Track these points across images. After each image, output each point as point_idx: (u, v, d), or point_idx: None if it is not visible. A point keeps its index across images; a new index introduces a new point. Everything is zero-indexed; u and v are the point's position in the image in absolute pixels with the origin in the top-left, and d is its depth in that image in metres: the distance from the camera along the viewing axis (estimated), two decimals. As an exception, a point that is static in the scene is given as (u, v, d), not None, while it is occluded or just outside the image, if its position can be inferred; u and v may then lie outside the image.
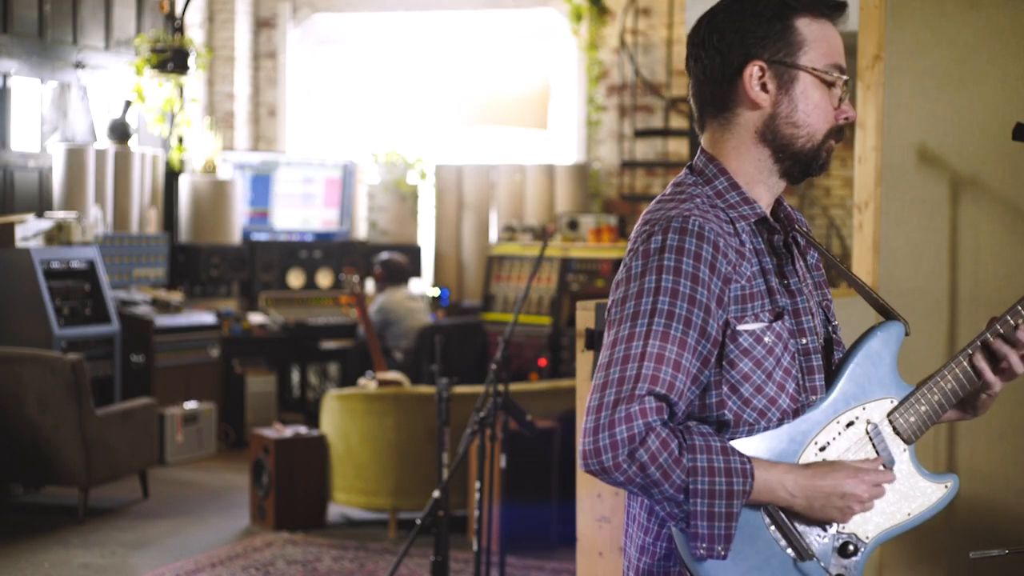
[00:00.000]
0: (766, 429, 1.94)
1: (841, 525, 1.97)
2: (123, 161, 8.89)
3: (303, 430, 6.86)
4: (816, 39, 1.95)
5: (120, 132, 8.96)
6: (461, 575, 5.87)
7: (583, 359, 3.36)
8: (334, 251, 10.06)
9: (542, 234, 9.38)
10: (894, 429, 2.02)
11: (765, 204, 2.01)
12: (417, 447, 6.53)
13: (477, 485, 4.88)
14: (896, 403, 2.03)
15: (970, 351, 2.06)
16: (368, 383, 7.06)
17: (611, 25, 10.01)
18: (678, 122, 9.75)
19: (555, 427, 6.31)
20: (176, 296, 8.92)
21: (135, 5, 9.37)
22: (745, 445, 1.91)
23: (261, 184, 10.01)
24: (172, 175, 9.68)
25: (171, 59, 9.10)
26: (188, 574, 5.89)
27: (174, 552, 6.29)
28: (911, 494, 2.04)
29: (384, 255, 9.11)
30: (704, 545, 1.84)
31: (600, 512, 3.34)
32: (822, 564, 1.94)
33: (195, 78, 9.73)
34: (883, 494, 1.97)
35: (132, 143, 9.08)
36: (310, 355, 9.62)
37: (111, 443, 6.92)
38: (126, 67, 9.17)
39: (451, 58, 10.66)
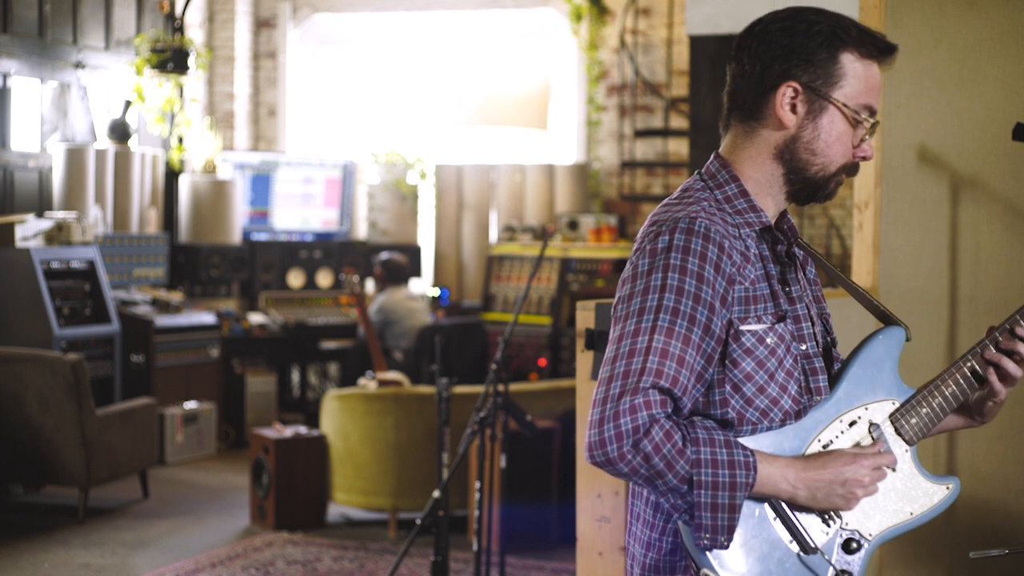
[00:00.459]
0: (769, 429, 1.97)
1: (844, 521, 2.00)
2: (123, 161, 8.89)
3: (303, 430, 6.86)
4: (856, 76, 1.99)
5: (120, 132, 8.96)
6: (461, 575, 5.88)
7: (583, 359, 3.36)
8: (334, 251, 10.06)
9: (542, 234, 9.38)
10: (896, 430, 2.06)
11: (771, 215, 2.05)
12: (417, 447, 6.53)
13: (477, 485, 4.89)
14: (898, 405, 2.06)
15: (971, 356, 2.10)
16: (368, 383, 7.06)
17: (611, 25, 10.01)
18: (678, 122, 9.75)
19: (555, 427, 6.31)
20: (176, 296, 8.92)
21: (135, 5, 9.37)
22: (749, 442, 1.95)
23: (261, 184, 10.01)
24: (172, 175, 9.68)
25: (171, 59, 9.10)
26: (188, 574, 5.89)
27: (174, 552, 6.29)
28: (913, 494, 2.06)
29: (384, 255, 9.11)
30: (707, 536, 1.88)
31: (600, 512, 3.34)
32: (826, 557, 1.97)
33: (195, 78, 9.73)
34: (884, 477, 2.00)
35: (132, 143, 9.08)
36: (310, 355, 9.62)
37: (111, 443, 6.92)
38: (126, 67, 9.17)
39: (451, 58, 10.66)
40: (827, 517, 1.99)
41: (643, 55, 9.96)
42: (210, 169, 9.53)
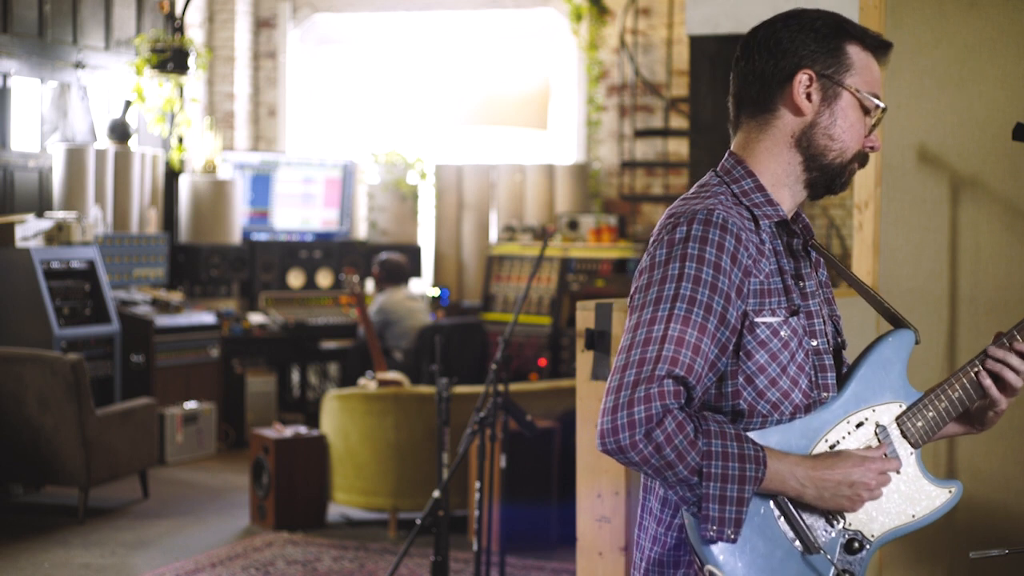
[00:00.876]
0: (779, 422, 1.99)
1: (848, 521, 2.01)
2: (123, 161, 8.89)
3: (303, 430, 6.86)
4: (863, 66, 2.05)
5: (120, 132, 8.96)
6: (461, 575, 5.88)
7: (583, 359, 3.36)
8: (334, 251, 10.06)
9: (542, 234, 9.38)
10: (902, 432, 2.07)
11: (787, 209, 2.08)
12: (417, 447, 6.53)
13: (477, 485, 4.89)
14: (905, 407, 2.08)
15: (977, 362, 2.11)
16: (368, 383, 7.06)
17: (611, 25, 10.01)
18: (678, 122, 9.75)
19: (555, 427, 6.31)
20: (176, 296, 8.92)
21: (135, 5, 9.37)
22: (757, 437, 1.96)
23: (261, 184, 10.01)
24: (172, 175, 9.68)
25: (171, 59, 9.10)
26: (188, 574, 5.89)
27: (174, 552, 6.29)
28: (916, 497, 2.08)
29: (382, 255, 9.11)
30: (715, 528, 1.89)
31: (600, 512, 3.34)
32: (829, 557, 1.98)
33: (195, 78, 9.73)
34: (889, 481, 2.02)
35: (132, 143, 9.08)
36: (310, 355, 9.62)
37: (111, 443, 6.92)
38: (126, 67, 9.17)
39: (451, 58, 10.66)
40: (831, 517, 2.00)
41: (643, 55, 9.96)
42: (210, 169, 9.53)
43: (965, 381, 2.10)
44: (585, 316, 3.33)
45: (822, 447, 2.01)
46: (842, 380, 2.07)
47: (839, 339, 2.15)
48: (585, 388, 3.35)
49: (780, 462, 1.93)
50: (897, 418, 2.07)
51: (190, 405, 8.49)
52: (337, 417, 6.75)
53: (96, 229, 8.40)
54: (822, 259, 2.17)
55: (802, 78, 2.02)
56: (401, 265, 8.91)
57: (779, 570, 1.95)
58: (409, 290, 9.23)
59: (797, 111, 2.03)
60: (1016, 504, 3.93)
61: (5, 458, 6.93)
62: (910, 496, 2.07)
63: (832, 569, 1.98)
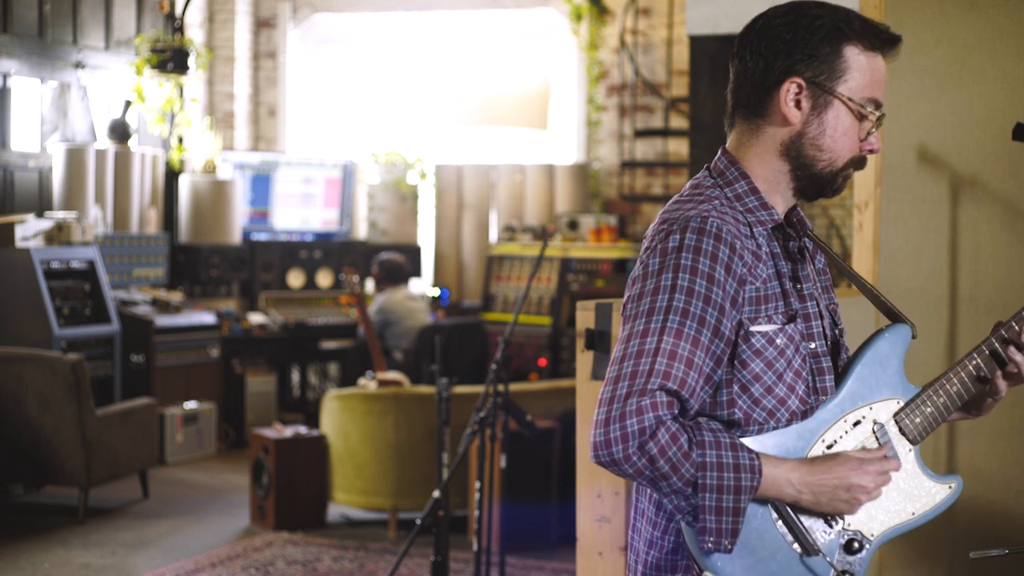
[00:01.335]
0: (775, 429, 1.97)
1: (847, 522, 2.00)
2: (123, 161, 8.89)
3: (303, 430, 6.86)
4: (860, 70, 1.97)
5: (120, 132, 8.96)
6: (461, 575, 5.87)
7: (583, 359, 3.36)
8: (334, 251, 10.06)
9: (542, 234, 9.38)
10: (900, 429, 2.05)
11: (780, 211, 2.04)
12: (417, 447, 6.53)
13: (477, 485, 4.89)
14: (902, 404, 2.06)
15: (976, 355, 2.08)
16: (368, 383, 7.06)
17: (611, 25, 10.01)
18: (678, 122, 9.75)
19: (555, 427, 6.31)
20: (176, 296, 8.92)
21: (135, 5, 9.37)
22: (754, 442, 1.94)
23: (261, 184, 10.01)
24: (172, 175, 9.68)
25: (171, 59, 9.10)
26: (188, 574, 5.89)
27: (174, 552, 6.29)
28: (916, 494, 2.06)
29: (382, 255, 9.11)
30: (711, 539, 1.87)
31: (600, 512, 3.34)
32: (828, 559, 1.97)
33: (195, 78, 9.73)
34: (888, 482, 2.00)
35: (132, 143, 9.08)
36: (310, 355, 9.62)
37: (111, 443, 6.92)
38: (126, 67, 9.17)
39: (451, 58, 10.66)
40: (830, 518, 1.99)
41: (643, 55, 9.96)
42: (210, 169, 9.53)
43: (963, 375, 2.07)
44: (585, 316, 3.33)
45: (819, 447, 1.99)
46: (839, 378, 2.05)
47: (836, 329, 2.11)
48: (585, 388, 3.35)
49: (776, 468, 1.91)
50: (895, 415, 2.04)
51: (190, 405, 8.49)
52: (337, 417, 6.75)
53: (96, 229, 8.40)
54: (818, 248, 2.14)
55: (790, 86, 1.96)
56: (400, 265, 8.91)
57: (778, 573, 1.94)
58: (409, 290, 9.23)
59: (784, 120, 1.98)
60: (1016, 504, 3.93)
61: (5, 458, 6.93)
62: (910, 493, 2.05)
63: (831, 571, 1.97)
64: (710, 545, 1.87)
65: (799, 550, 1.95)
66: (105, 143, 8.94)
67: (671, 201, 2.03)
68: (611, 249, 9.09)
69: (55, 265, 7.65)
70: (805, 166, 2.00)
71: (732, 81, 2.04)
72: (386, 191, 10.32)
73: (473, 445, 5.33)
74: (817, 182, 2.01)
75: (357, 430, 6.65)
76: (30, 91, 8.45)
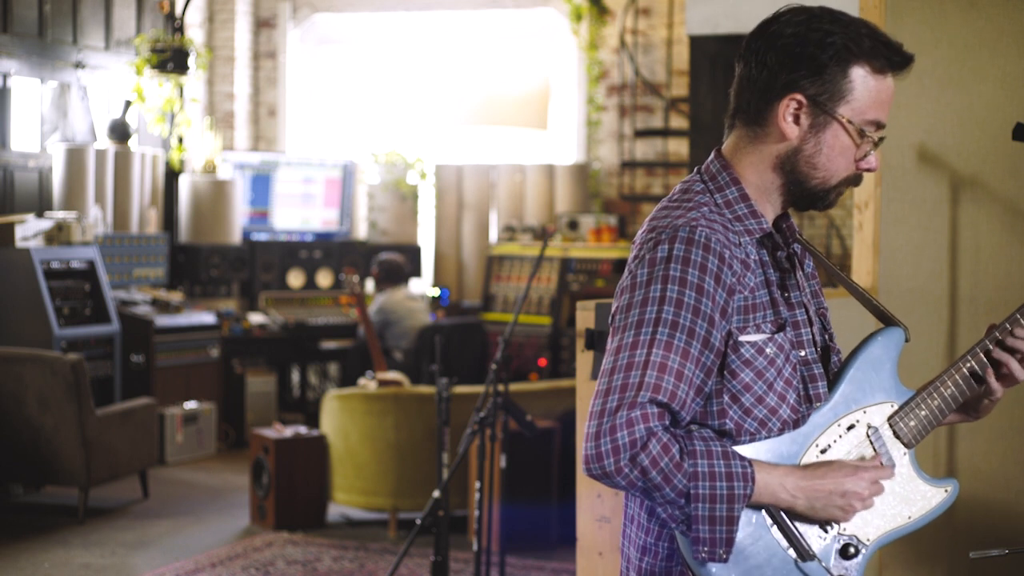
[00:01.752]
0: (767, 439, 1.96)
1: (842, 527, 1.99)
2: (123, 161, 8.89)
3: (303, 430, 6.86)
4: (865, 90, 1.94)
5: (120, 132, 8.96)
6: (461, 575, 5.88)
7: (583, 359, 3.36)
8: (334, 251, 10.06)
9: (542, 234, 9.38)
10: (894, 433, 2.04)
11: (770, 219, 2.03)
12: (417, 447, 6.53)
13: (477, 485, 4.89)
14: (896, 407, 2.04)
15: (970, 357, 2.07)
16: (368, 383, 7.06)
17: (611, 25, 10.01)
18: (678, 122, 9.75)
19: (555, 427, 6.31)
20: (176, 296, 8.92)
21: (135, 5, 9.37)
22: (747, 449, 1.93)
23: (261, 184, 10.01)
24: (172, 175, 9.68)
25: (171, 59, 9.10)
26: (188, 574, 5.89)
27: (174, 552, 6.29)
28: (911, 497, 2.05)
29: (381, 256, 9.11)
30: (706, 549, 1.86)
31: (600, 512, 3.34)
32: (823, 564, 1.96)
33: (195, 78, 9.73)
34: (883, 491, 1.98)
35: (132, 143, 9.08)
36: (310, 355, 9.62)
37: (111, 443, 6.92)
38: (126, 67, 9.17)
39: (451, 58, 10.66)
40: (825, 523, 1.97)
41: (643, 55, 9.96)
42: (210, 169, 9.53)
43: (958, 377, 2.06)
44: (585, 316, 3.33)
45: (813, 452, 1.98)
46: (832, 382, 2.03)
47: (826, 334, 2.10)
48: (585, 388, 3.35)
49: (769, 474, 1.90)
50: (889, 418, 2.03)
51: (190, 405, 8.49)
52: (337, 417, 6.75)
53: (96, 229, 8.40)
54: (808, 253, 2.13)
55: (790, 103, 1.94)
56: (400, 265, 8.91)
57: None
58: (409, 290, 9.23)
59: (781, 135, 1.96)
60: (1016, 504, 3.92)
61: (5, 458, 6.93)
62: (905, 497, 2.04)
63: None
64: (704, 555, 1.87)
65: (794, 556, 1.94)
66: (105, 143, 8.94)
67: (659, 206, 2.01)
68: (611, 249, 9.09)
69: (55, 265, 7.65)
70: (798, 182, 1.98)
71: (736, 83, 2.02)
72: (386, 191, 10.32)
73: (473, 445, 5.33)
74: (808, 197, 2.00)
75: (357, 430, 6.65)
76: (30, 91, 8.45)
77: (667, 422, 1.85)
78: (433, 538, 4.96)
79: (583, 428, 3.39)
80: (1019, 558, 3.32)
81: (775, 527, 1.93)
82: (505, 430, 5.15)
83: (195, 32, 10.23)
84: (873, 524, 2.01)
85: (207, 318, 8.90)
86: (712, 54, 8.13)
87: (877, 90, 1.95)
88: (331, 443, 6.77)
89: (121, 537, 6.57)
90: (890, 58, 1.95)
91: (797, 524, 1.94)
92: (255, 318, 9.42)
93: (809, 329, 2.03)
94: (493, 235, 10.00)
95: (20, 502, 7.32)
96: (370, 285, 9.77)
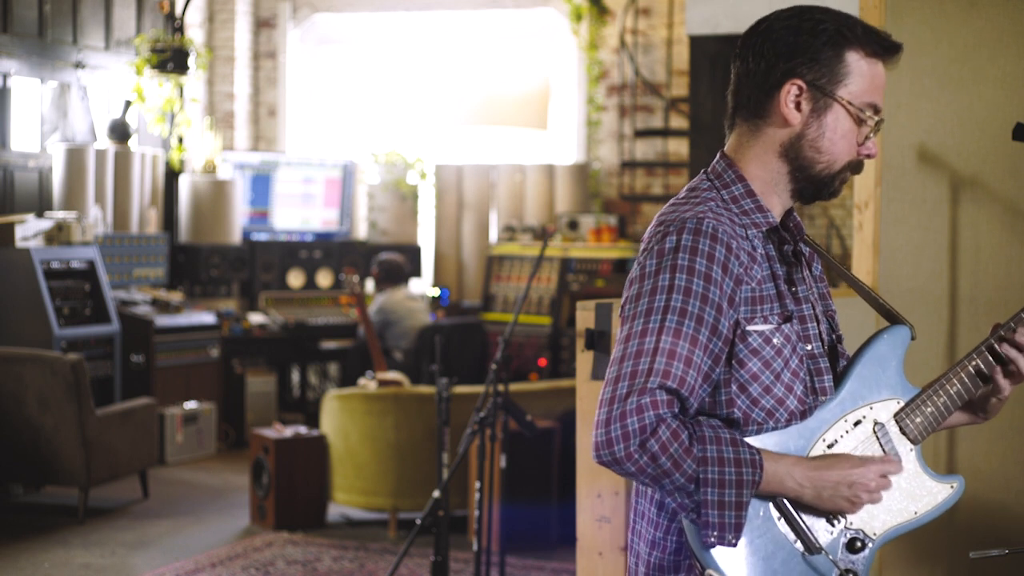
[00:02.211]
0: (774, 429, 1.98)
1: (849, 520, 2.00)
2: (123, 161, 8.89)
3: (303, 430, 6.86)
4: (860, 74, 1.99)
5: (120, 132, 8.96)
6: (461, 575, 5.88)
7: (583, 359, 3.36)
8: (334, 251, 10.06)
9: (542, 234, 9.38)
10: (900, 429, 2.06)
11: (777, 214, 2.06)
12: (417, 447, 6.53)
13: (477, 485, 4.89)
14: (903, 404, 2.07)
15: (976, 355, 2.09)
16: (368, 383, 7.06)
17: (611, 25, 10.01)
18: (678, 122, 9.75)
19: (555, 427, 6.31)
20: (176, 296, 8.92)
21: (135, 5, 9.37)
22: (755, 441, 1.95)
23: (261, 184, 10.01)
24: (172, 175, 9.68)
25: (171, 59, 9.10)
26: (188, 574, 5.89)
27: (174, 552, 6.29)
28: (917, 493, 2.07)
29: (381, 256, 9.12)
30: (715, 533, 1.88)
31: (600, 512, 3.34)
32: (830, 557, 1.97)
33: (195, 78, 9.73)
34: (890, 484, 2.00)
35: (132, 143, 9.08)
36: (310, 355, 9.62)
37: (111, 443, 6.92)
38: (126, 67, 9.17)
39: (451, 58, 10.66)
40: (832, 516, 1.99)
41: (643, 55, 9.96)
42: (210, 169, 9.53)
43: (963, 375, 2.08)
44: (585, 316, 3.33)
45: (820, 447, 2.00)
46: (838, 379, 2.06)
47: (834, 335, 2.13)
48: (585, 388, 3.35)
49: (777, 464, 1.92)
50: (895, 415, 2.05)
51: (190, 405, 8.49)
52: (337, 417, 6.75)
53: (96, 229, 8.40)
54: (815, 254, 2.16)
55: (791, 88, 1.99)
56: (400, 265, 8.91)
57: (781, 572, 1.94)
58: (409, 290, 9.23)
59: (784, 122, 2.00)
60: (1016, 504, 3.93)
61: (5, 458, 6.93)
62: (911, 493, 2.06)
63: (834, 569, 1.97)
64: (713, 539, 1.88)
65: (801, 549, 1.96)
66: (105, 143, 8.94)
67: (667, 204, 2.05)
68: (611, 249, 9.09)
69: (55, 265, 7.65)
70: (803, 167, 2.01)
71: (733, 83, 2.06)
72: (386, 191, 10.32)
73: (473, 445, 5.33)
74: (814, 184, 2.03)
75: (357, 430, 6.65)
76: (30, 91, 8.45)
77: (676, 409, 1.88)
78: (433, 538, 4.96)
79: (584, 428, 3.39)
80: (1019, 558, 3.32)
81: (782, 520, 1.95)
82: (505, 430, 5.15)
83: (195, 32, 10.23)
84: (880, 519, 2.03)
85: (207, 318, 8.90)
86: (712, 54, 8.13)
87: (871, 74, 2.00)
88: (331, 443, 6.77)
89: (121, 537, 6.57)
90: (881, 43, 2.01)
91: (804, 517, 1.96)
92: (255, 318, 9.42)
93: (816, 325, 2.06)
94: (493, 235, 10.00)
95: (20, 502, 7.32)
96: (370, 285, 9.77)
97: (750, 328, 1.96)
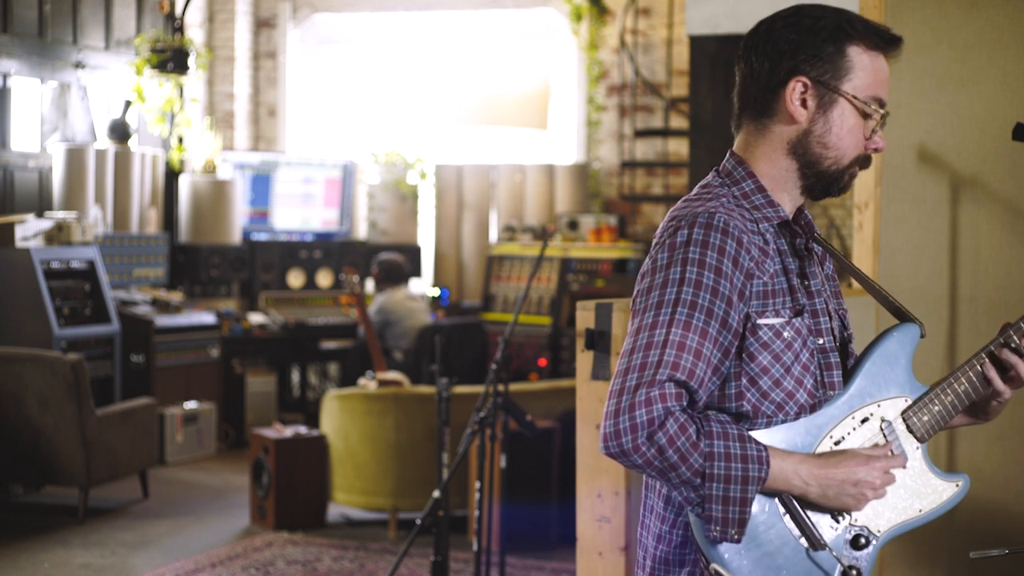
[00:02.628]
0: (783, 423, 1.99)
1: (854, 517, 2.01)
2: (123, 161, 8.89)
3: (303, 430, 6.86)
4: (864, 68, 2.01)
5: (120, 132, 8.96)
6: (461, 575, 5.88)
7: (583, 359, 3.36)
8: (334, 251, 10.06)
9: (542, 234, 9.38)
10: (907, 427, 2.07)
11: (788, 210, 2.07)
12: (417, 447, 6.53)
13: (477, 485, 4.89)
14: (910, 402, 2.08)
15: (983, 355, 2.10)
16: (368, 383, 7.06)
17: (611, 25, 10.01)
18: (678, 122, 9.75)
19: (555, 427, 6.31)
20: (176, 296, 8.92)
21: (135, 5, 9.37)
22: (762, 436, 1.96)
23: (261, 184, 10.01)
24: (172, 175, 9.68)
25: (171, 59, 9.10)
26: (188, 574, 5.89)
27: (174, 552, 6.29)
28: (923, 491, 2.08)
29: (381, 256, 9.12)
30: (718, 528, 1.89)
31: (600, 512, 3.34)
32: (834, 554, 1.98)
33: (195, 78, 9.73)
34: (895, 480, 2.01)
35: (132, 143, 9.08)
36: (310, 355, 9.62)
37: (111, 443, 6.92)
38: (126, 67, 9.17)
39: (451, 58, 10.66)
40: (836, 513, 2.00)
41: (643, 55, 9.96)
42: (210, 169, 9.53)
43: (971, 375, 2.09)
44: (585, 316, 3.33)
45: (827, 443, 2.01)
46: (847, 376, 2.07)
47: (845, 333, 2.14)
48: (585, 388, 3.35)
49: (784, 460, 1.93)
50: (903, 413, 2.06)
51: (190, 405, 8.49)
52: (337, 417, 6.75)
53: (96, 229, 8.40)
54: (827, 253, 2.17)
55: (796, 85, 2.00)
56: (400, 265, 8.91)
57: (785, 567, 1.95)
58: (409, 290, 9.23)
59: (791, 119, 2.01)
60: (1016, 504, 3.93)
61: (5, 458, 6.93)
62: (916, 490, 2.07)
63: (838, 566, 1.98)
64: (716, 534, 1.89)
65: (806, 544, 1.97)
66: (105, 143, 8.94)
67: (680, 201, 2.06)
68: (611, 249, 9.09)
69: (55, 265, 7.65)
70: (812, 163, 2.03)
71: (738, 84, 2.08)
72: (386, 191, 10.32)
73: (473, 445, 5.33)
74: (824, 180, 2.04)
75: (357, 430, 6.65)
76: (30, 91, 8.45)
77: (685, 403, 1.89)
78: (433, 538, 4.96)
79: (583, 428, 3.39)
80: (1019, 558, 3.32)
81: (787, 516, 1.96)
82: (505, 430, 5.15)
83: (195, 32, 10.23)
84: (884, 516, 2.04)
85: (207, 318, 8.90)
86: (712, 54, 8.13)
87: (874, 68, 2.02)
88: (331, 443, 6.77)
89: (121, 537, 6.57)
90: (881, 36, 2.02)
91: (809, 513, 1.97)
92: (255, 318, 9.42)
93: (828, 319, 2.07)
94: (493, 235, 10.00)
95: (20, 502, 7.32)
96: (370, 285, 9.77)
97: (760, 322, 1.97)
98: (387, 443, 6.58)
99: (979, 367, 2.09)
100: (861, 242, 4.12)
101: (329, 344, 9.59)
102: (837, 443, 2.01)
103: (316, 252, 10.02)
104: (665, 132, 9.73)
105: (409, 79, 10.75)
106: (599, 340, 3.26)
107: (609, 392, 1.91)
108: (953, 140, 3.97)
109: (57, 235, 7.86)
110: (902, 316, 2.12)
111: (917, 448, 2.07)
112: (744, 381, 1.97)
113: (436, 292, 9.91)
